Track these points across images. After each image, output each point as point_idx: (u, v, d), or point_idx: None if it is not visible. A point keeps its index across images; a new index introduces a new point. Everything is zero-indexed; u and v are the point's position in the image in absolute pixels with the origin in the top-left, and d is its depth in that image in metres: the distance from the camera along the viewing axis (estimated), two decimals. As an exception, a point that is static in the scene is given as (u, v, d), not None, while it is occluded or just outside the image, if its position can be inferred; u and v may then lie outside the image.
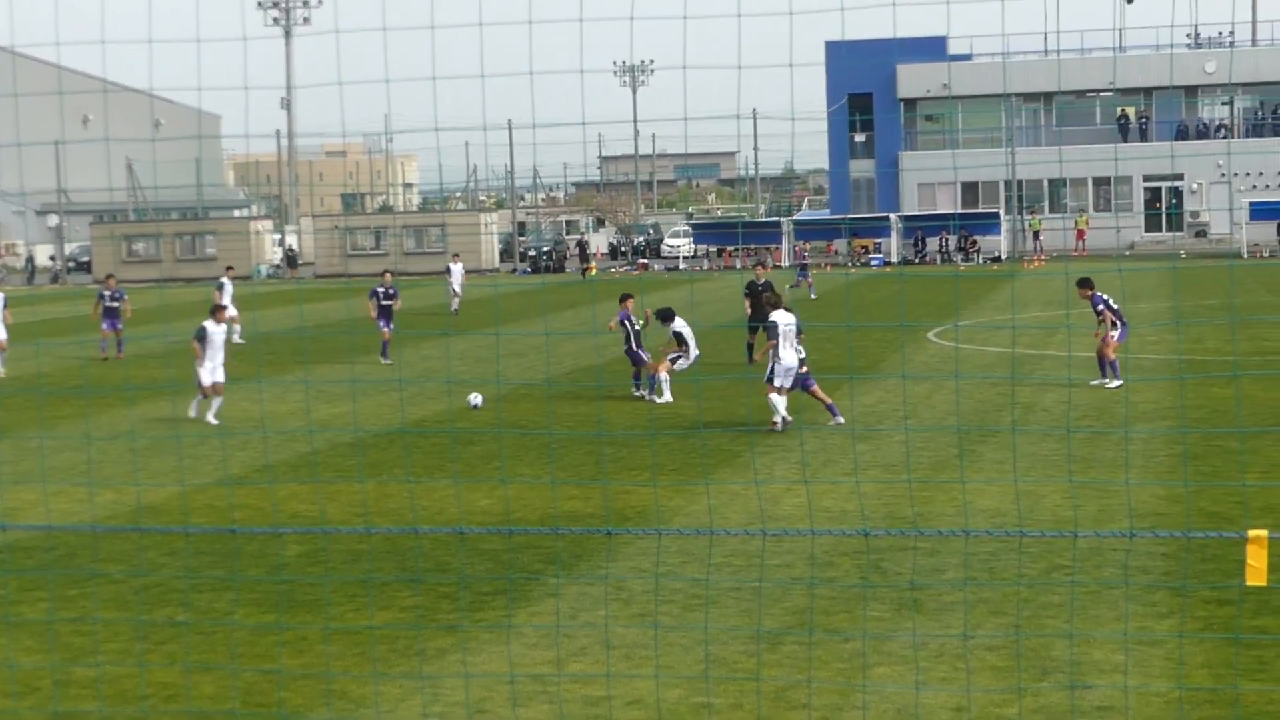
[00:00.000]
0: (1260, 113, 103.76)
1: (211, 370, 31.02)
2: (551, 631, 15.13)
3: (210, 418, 30.69)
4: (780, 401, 27.63)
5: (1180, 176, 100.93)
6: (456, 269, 62.51)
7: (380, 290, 42.58)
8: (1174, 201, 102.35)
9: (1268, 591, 15.59)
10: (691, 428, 28.15)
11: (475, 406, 31.38)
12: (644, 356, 33.23)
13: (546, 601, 16.52)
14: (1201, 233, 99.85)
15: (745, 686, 13.44)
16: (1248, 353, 38.33)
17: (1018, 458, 24.46)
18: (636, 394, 33.09)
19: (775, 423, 27.69)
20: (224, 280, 52.41)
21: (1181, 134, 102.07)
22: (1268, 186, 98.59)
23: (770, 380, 27.67)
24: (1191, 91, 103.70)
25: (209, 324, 31.55)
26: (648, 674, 13.74)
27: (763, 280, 37.88)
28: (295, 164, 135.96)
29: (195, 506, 22.47)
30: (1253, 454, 24.39)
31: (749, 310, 38.05)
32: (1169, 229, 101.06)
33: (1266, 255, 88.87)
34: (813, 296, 62.52)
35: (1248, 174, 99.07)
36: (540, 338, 45.95)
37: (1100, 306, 32.62)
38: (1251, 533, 9.84)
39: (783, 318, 28.13)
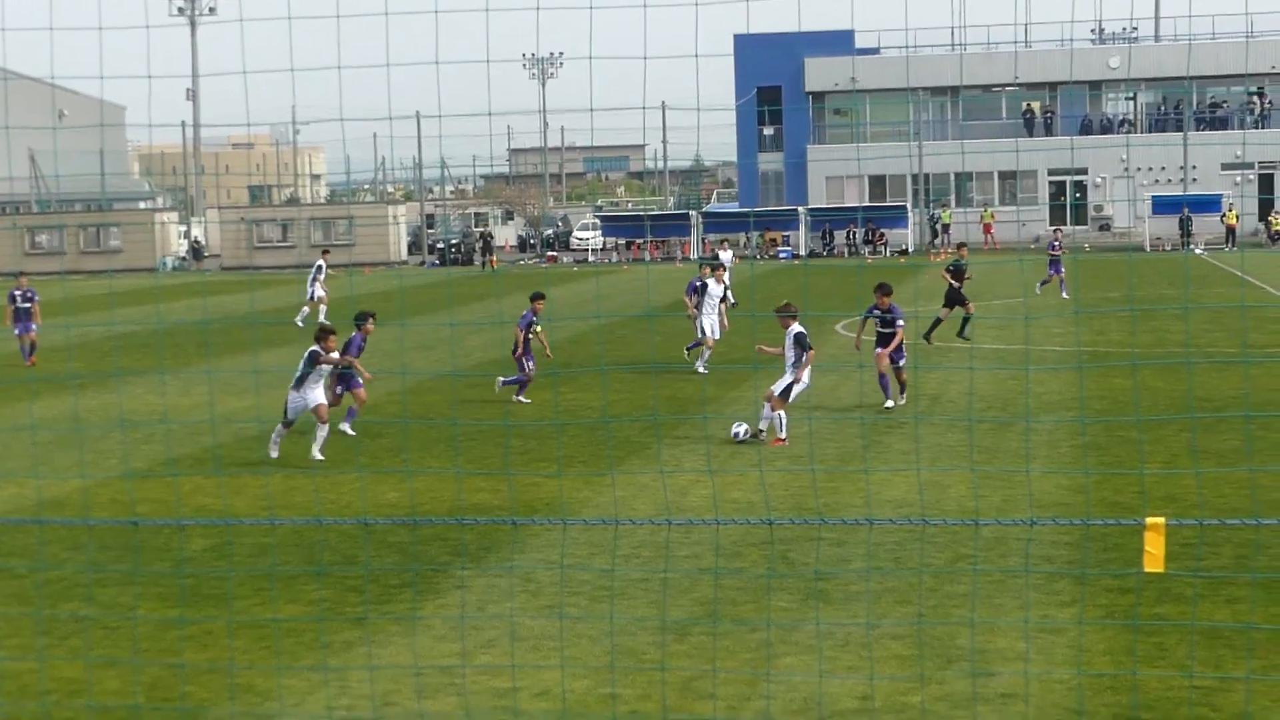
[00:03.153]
0: (1162, 108, 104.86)
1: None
2: (460, 624, 15.09)
3: (317, 452, 25.11)
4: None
5: (1084, 171, 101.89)
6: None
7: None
8: (1078, 195, 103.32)
9: (1168, 579, 15.78)
10: (600, 419, 28.13)
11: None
12: (529, 366, 30.56)
13: (454, 594, 16.47)
14: (1105, 226, 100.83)
15: (652, 677, 13.45)
16: (1149, 344, 38.74)
17: (923, 448, 24.62)
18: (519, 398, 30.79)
19: (783, 438, 25.44)
20: (320, 263, 53.52)
21: (1085, 128, 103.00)
22: (1169, 180, 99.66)
23: (786, 396, 25.51)
24: (1095, 86, 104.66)
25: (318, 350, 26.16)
26: (555, 665, 13.74)
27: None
28: (201, 155, 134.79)
29: (98, 501, 22.26)
30: (1155, 444, 24.66)
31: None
32: (1073, 222, 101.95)
33: (1168, 248, 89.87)
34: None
35: (1150, 168, 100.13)
36: (449, 330, 45.82)
37: (901, 321, 28.93)
38: (1149, 520, 9.95)
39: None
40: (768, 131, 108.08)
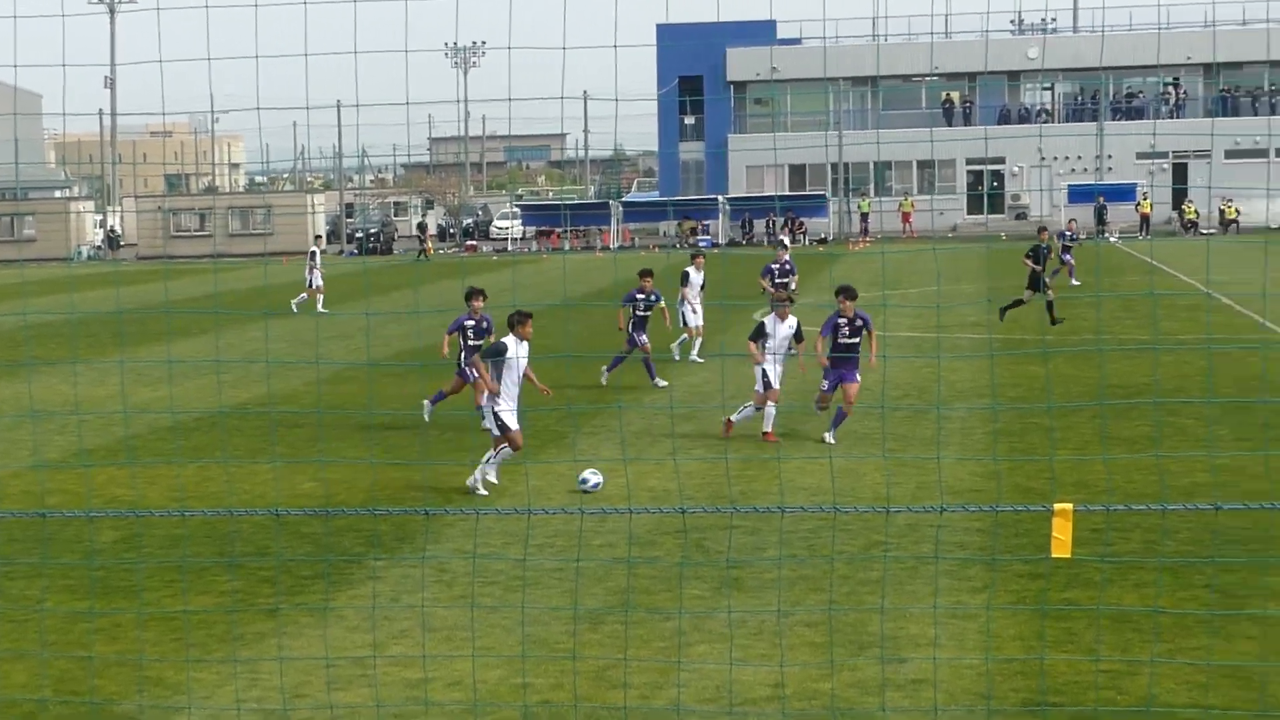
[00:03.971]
0: (1079, 98, 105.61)
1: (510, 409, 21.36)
2: (372, 614, 15.03)
3: (493, 475, 21.65)
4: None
5: (1002, 160, 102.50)
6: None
7: None
8: (995, 184, 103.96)
9: (1078, 565, 15.91)
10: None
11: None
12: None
13: (367, 584, 16.40)
14: (1022, 215, 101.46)
15: (565, 666, 13.44)
16: (1063, 331, 39.02)
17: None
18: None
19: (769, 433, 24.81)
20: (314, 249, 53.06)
21: (1003, 118, 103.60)
22: (1085, 170, 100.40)
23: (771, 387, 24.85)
24: (1014, 77, 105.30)
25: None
26: (468, 655, 13.70)
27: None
28: (118, 144, 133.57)
29: (9, 492, 22.04)
30: (1067, 430, 24.85)
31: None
32: (990, 211, 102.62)
33: (1084, 237, 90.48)
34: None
35: (1066, 158, 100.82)
36: (365, 320, 45.61)
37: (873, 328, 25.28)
38: (1057, 506, 10.02)
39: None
40: (689, 121, 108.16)
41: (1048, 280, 40.36)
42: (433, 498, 20.87)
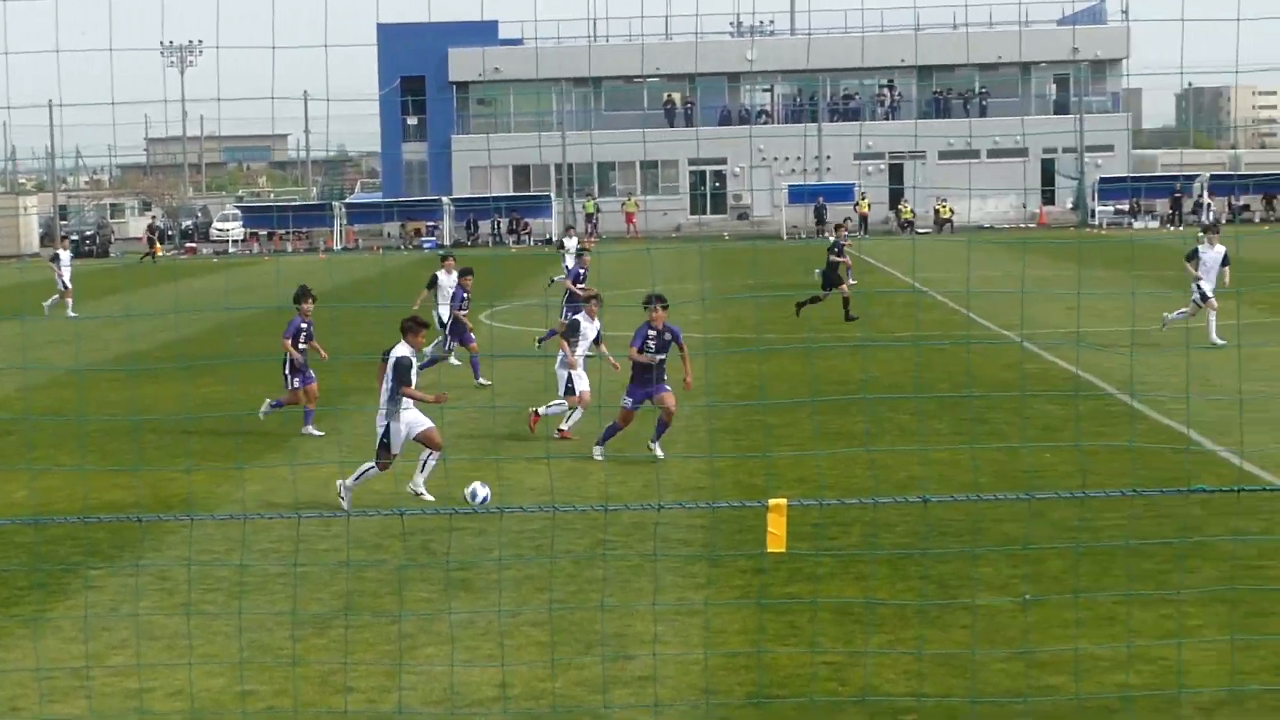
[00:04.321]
0: (798, 99, 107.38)
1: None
2: (90, 624, 14.67)
3: (348, 494, 20.16)
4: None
5: (723, 161, 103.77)
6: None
7: None
8: (717, 184, 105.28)
9: (800, 559, 16.19)
10: (236, 412, 27.59)
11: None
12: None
13: (83, 594, 16.00)
14: (743, 215, 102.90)
15: (290, 672, 13.27)
16: (785, 330, 39.66)
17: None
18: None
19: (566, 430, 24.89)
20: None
21: (724, 119, 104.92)
22: (805, 170, 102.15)
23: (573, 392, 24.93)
24: (734, 78, 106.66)
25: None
26: (188, 664, 13.44)
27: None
28: None
29: None
30: (789, 427, 25.25)
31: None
32: (713, 211, 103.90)
33: (804, 237, 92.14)
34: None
35: (786, 158, 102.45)
36: (84, 323, 44.54)
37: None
38: (771, 502, 10.17)
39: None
40: (412, 121, 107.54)
41: (845, 277, 41.57)
42: (151, 504, 20.44)
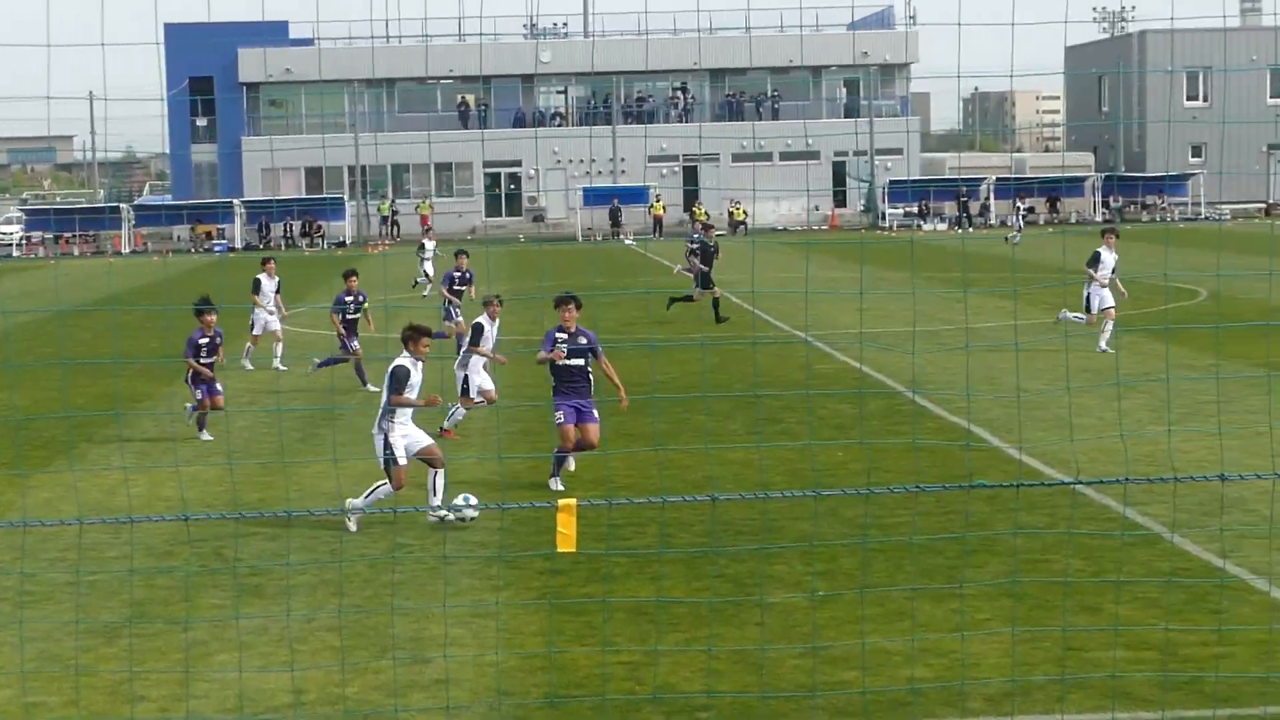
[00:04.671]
0: (592, 102, 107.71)
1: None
2: None
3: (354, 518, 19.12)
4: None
5: (518, 163, 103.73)
6: None
7: None
8: (512, 186, 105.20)
9: (598, 560, 16.27)
10: (21, 418, 27.03)
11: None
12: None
13: None
14: (539, 217, 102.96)
15: (80, 682, 13.02)
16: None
17: (362, 439, 24.62)
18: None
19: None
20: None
21: (518, 121, 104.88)
22: (600, 172, 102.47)
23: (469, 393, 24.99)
24: (528, 80, 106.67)
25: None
26: (-26, 676, 13.14)
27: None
28: None
29: None
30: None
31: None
32: (509, 214, 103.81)
33: (600, 239, 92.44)
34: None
35: (581, 160, 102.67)
36: None
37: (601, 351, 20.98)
38: (561, 502, 10.19)
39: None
40: (201, 123, 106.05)
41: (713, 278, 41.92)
42: (-66, 514, 19.95)
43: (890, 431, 24.03)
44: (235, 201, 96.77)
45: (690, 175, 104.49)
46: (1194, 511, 18.07)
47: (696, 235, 50.79)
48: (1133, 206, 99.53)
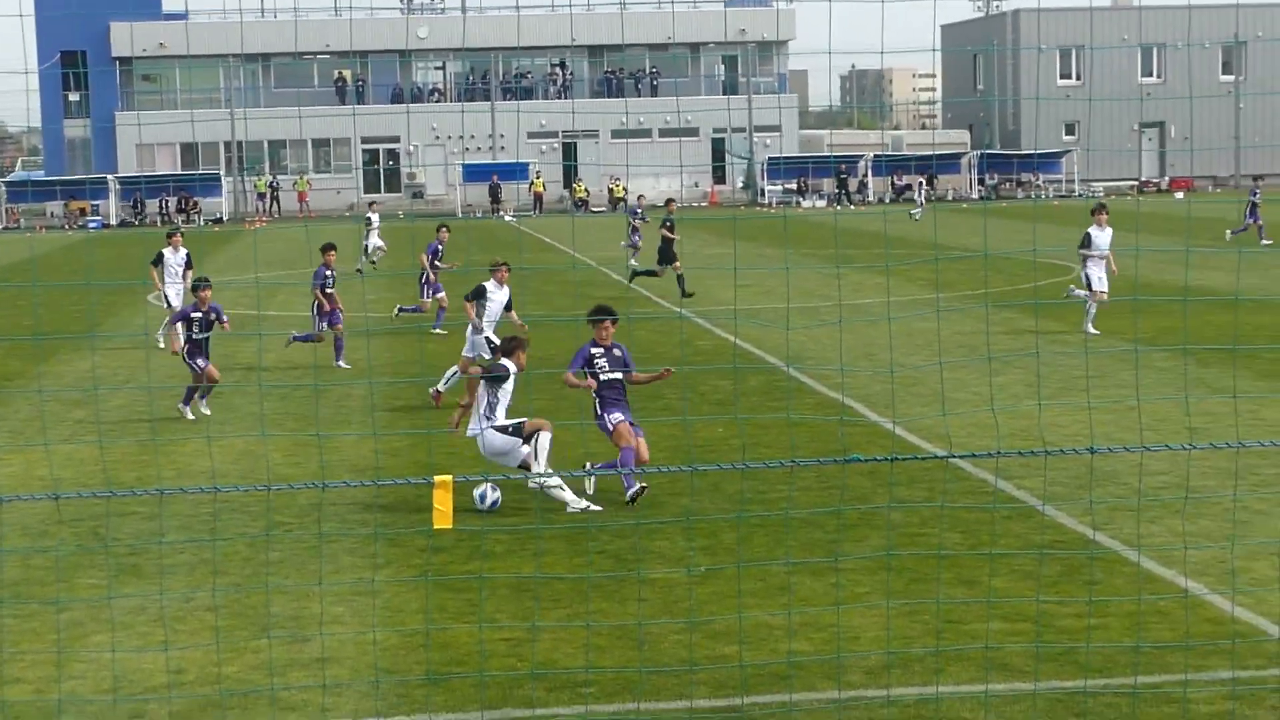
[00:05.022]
0: (471, 78, 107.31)
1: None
2: None
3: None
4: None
5: (397, 139, 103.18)
6: None
7: None
8: (391, 162, 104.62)
9: (479, 536, 16.26)
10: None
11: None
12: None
13: None
14: (418, 194, 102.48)
15: (-48, 665, 12.85)
16: (458, 309, 39.52)
17: (238, 417, 24.46)
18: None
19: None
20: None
21: (396, 97, 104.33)
22: (480, 149, 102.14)
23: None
24: (405, 55, 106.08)
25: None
26: None
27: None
28: None
29: None
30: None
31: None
32: (387, 190, 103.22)
33: (479, 215, 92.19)
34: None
35: (460, 136, 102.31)
36: None
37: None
38: (437, 478, 10.17)
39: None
40: (74, 97, 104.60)
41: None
42: None
43: (768, 407, 24.18)
44: (109, 177, 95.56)
45: (569, 151, 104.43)
46: (1068, 485, 18.34)
47: (640, 211, 50.75)
48: (1008, 184, 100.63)
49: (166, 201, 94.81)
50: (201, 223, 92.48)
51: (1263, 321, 33.25)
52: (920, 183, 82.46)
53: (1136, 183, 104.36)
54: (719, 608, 13.98)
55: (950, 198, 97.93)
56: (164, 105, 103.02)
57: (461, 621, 13.78)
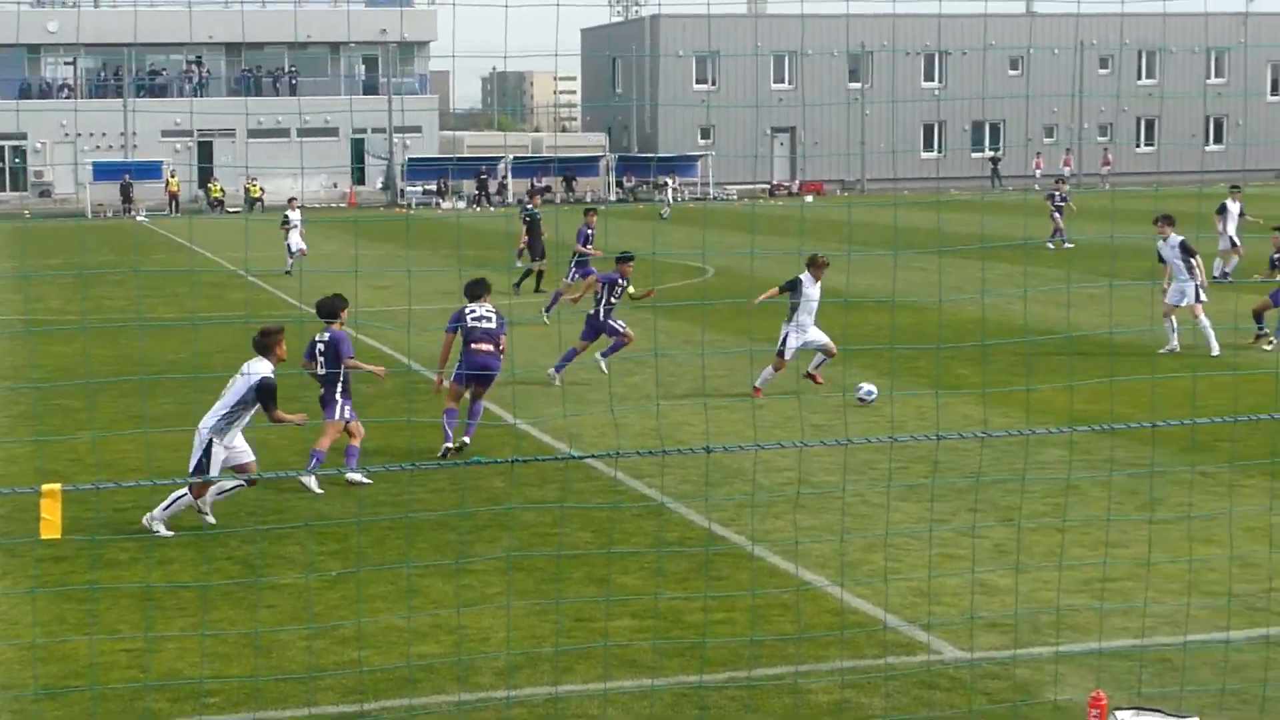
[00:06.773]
0: (103, 74, 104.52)
1: None
2: None
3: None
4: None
5: (24, 135, 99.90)
6: None
7: None
8: (18, 160, 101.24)
9: (102, 545, 15.87)
10: None
11: None
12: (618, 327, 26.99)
13: None
14: (46, 192, 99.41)
15: None
16: (91, 310, 38.59)
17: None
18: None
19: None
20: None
21: (24, 92, 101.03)
22: (110, 147, 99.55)
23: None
24: (34, 50, 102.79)
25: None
26: None
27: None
28: None
29: None
30: (90, 411, 24.59)
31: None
32: (14, 189, 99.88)
33: (111, 215, 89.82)
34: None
35: (91, 134, 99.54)
36: None
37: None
38: (44, 487, 9.88)
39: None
40: None
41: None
42: None
43: (401, 409, 24.08)
44: None
45: (205, 151, 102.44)
46: (696, 483, 18.67)
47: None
48: (645, 186, 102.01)
49: None
50: None
51: (883, 321, 34.33)
52: (667, 182, 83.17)
53: (769, 185, 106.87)
54: (348, 612, 13.87)
55: (589, 199, 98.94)
56: None
57: (81, 633, 13.40)
